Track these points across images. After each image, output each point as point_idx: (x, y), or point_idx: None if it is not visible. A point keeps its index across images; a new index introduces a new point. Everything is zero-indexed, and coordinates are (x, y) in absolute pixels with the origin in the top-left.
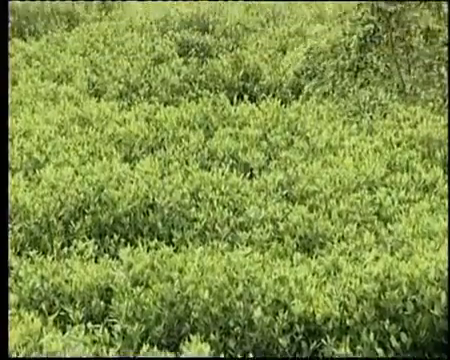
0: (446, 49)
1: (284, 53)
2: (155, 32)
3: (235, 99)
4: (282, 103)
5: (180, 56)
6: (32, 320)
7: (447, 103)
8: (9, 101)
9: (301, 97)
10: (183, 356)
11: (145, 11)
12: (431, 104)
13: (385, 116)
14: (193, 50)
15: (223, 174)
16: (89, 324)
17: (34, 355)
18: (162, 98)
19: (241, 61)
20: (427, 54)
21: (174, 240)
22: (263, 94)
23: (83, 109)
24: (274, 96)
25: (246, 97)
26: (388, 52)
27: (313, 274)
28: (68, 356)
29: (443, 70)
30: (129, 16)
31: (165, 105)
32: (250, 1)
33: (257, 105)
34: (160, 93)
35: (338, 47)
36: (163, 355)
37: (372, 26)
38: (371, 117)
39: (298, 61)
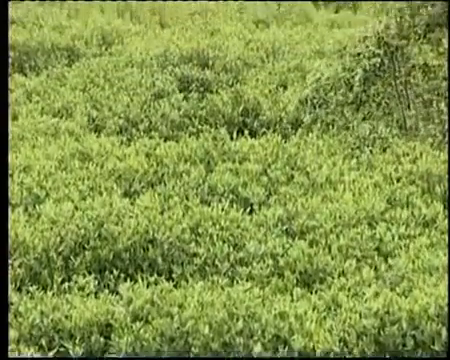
0: (445, 85)
1: (284, 88)
2: (155, 67)
3: (235, 134)
4: (282, 138)
5: (180, 91)
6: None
7: (447, 139)
8: (9, 136)
9: (301, 131)
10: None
11: (145, 47)
12: (431, 140)
13: (385, 151)
14: (193, 85)
15: (223, 209)
16: None
17: None
18: (162, 133)
19: (241, 96)
20: (427, 90)
21: (174, 275)
22: (263, 129)
23: (83, 144)
24: (274, 131)
25: (246, 132)
26: (390, 86)
27: (313, 309)
28: None
29: (442, 106)
30: (129, 52)
31: (165, 140)
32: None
33: (257, 140)
34: (160, 128)
35: (338, 82)
36: None
37: (379, 59)
38: (371, 152)
39: (298, 96)
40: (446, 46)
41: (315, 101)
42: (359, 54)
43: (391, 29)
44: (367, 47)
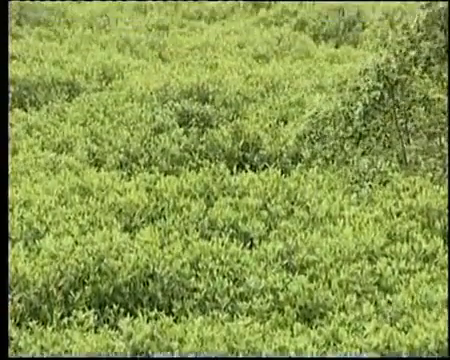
0: (446, 118)
1: (284, 123)
2: (155, 102)
3: (235, 169)
4: (282, 173)
5: (180, 126)
6: None
7: (447, 173)
8: (9, 171)
9: (301, 165)
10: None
11: (145, 81)
12: (431, 174)
13: (385, 185)
14: (193, 120)
15: (223, 244)
16: None
17: None
18: (162, 168)
19: (241, 131)
20: (427, 124)
21: (174, 310)
22: (263, 164)
23: (83, 179)
24: (274, 166)
25: (247, 167)
26: (390, 121)
27: (313, 344)
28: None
29: (443, 140)
30: (129, 86)
31: (165, 175)
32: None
33: (257, 175)
34: (160, 163)
35: (338, 116)
36: None
37: (378, 93)
38: (371, 186)
39: (297, 129)
40: (447, 79)
41: (312, 136)
42: (358, 88)
43: (391, 63)
44: (367, 81)
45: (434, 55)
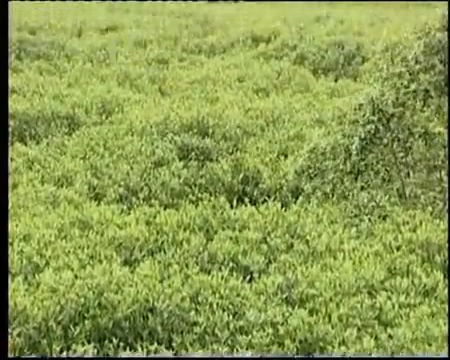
0: (445, 152)
1: (284, 157)
2: (155, 136)
3: (235, 202)
4: (282, 206)
5: (180, 159)
6: None
7: (447, 207)
8: (9, 205)
9: (301, 199)
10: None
11: (145, 115)
12: (431, 208)
13: (384, 219)
14: (193, 153)
15: (223, 277)
16: None
17: None
18: (162, 201)
19: (241, 164)
20: (427, 157)
21: (174, 344)
22: (263, 197)
23: (83, 212)
24: (274, 199)
25: (246, 200)
26: (388, 154)
27: None
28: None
29: (443, 173)
30: (129, 120)
31: (165, 208)
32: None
33: (257, 208)
34: (160, 196)
35: (338, 149)
36: None
37: (373, 126)
38: (370, 220)
39: (296, 163)
40: (446, 112)
41: (311, 171)
42: (357, 121)
43: (386, 96)
44: (363, 115)
45: (433, 88)
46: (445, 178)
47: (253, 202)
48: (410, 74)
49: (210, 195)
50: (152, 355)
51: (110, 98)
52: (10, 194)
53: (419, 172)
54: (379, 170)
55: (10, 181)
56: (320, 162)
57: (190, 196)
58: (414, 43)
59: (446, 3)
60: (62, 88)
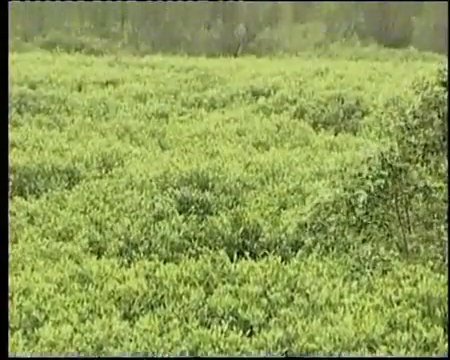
0: (445, 207)
1: (284, 210)
2: (155, 189)
3: (235, 256)
4: (282, 260)
5: (180, 213)
6: None
7: (447, 261)
8: (9, 259)
9: (301, 252)
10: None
11: (145, 169)
12: (431, 262)
13: (385, 273)
14: (193, 207)
15: (223, 332)
16: None
17: None
18: (162, 255)
19: (241, 218)
20: (427, 212)
21: None
22: (263, 251)
23: (83, 267)
24: (274, 253)
25: (247, 254)
26: (391, 208)
27: None
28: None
29: (442, 228)
30: (129, 174)
31: (165, 262)
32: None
33: (257, 262)
34: (160, 250)
35: (339, 203)
36: None
37: (383, 181)
38: (371, 274)
39: (299, 218)
40: (445, 169)
41: (314, 227)
42: (360, 175)
43: (395, 151)
44: (370, 169)
45: (431, 143)
46: (445, 233)
47: (253, 256)
48: (409, 128)
49: (210, 249)
50: None
51: (110, 152)
52: (10, 248)
53: (419, 226)
54: (382, 224)
55: (10, 235)
56: (323, 216)
57: (190, 250)
58: (413, 98)
59: (441, 60)
60: (62, 142)
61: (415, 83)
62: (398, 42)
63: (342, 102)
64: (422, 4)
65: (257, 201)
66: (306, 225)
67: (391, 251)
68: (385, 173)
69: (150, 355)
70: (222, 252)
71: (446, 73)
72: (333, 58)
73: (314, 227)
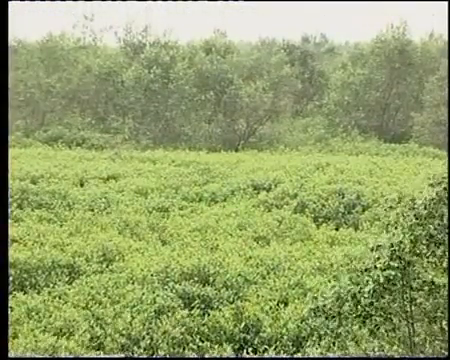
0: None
1: (285, 305)
2: (156, 284)
3: (237, 351)
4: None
5: (181, 308)
6: None
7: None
8: (9, 355)
9: (302, 351)
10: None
11: (146, 263)
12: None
13: None
14: (194, 302)
15: None
16: None
17: None
18: (164, 350)
19: (242, 313)
20: (431, 307)
21: None
22: (264, 346)
23: None
24: (275, 348)
25: (250, 349)
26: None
27: None
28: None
29: (443, 324)
30: (130, 268)
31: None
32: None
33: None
34: (161, 345)
35: (344, 297)
36: None
37: (392, 272)
38: None
39: (299, 314)
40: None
41: (319, 323)
42: (367, 270)
43: (405, 243)
44: (378, 258)
45: (437, 234)
46: (446, 328)
47: (254, 351)
48: (417, 218)
49: (212, 343)
50: None
51: (111, 246)
52: (10, 344)
53: (422, 321)
54: (386, 317)
55: (10, 331)
56: (327, 310)
57: (191, 345)
58: (425, 191)
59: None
60: (63, 237)
61: (431, 176)
62: (398, 137)
63: (343, 197)
64: (422, 100)
65: (258, 296)
66: (314, 327)
67: (396, 346)
68: (395, 264)
69: None
70: (229, 348)
71: None
72: (334, 153)
73: (317, 326)
